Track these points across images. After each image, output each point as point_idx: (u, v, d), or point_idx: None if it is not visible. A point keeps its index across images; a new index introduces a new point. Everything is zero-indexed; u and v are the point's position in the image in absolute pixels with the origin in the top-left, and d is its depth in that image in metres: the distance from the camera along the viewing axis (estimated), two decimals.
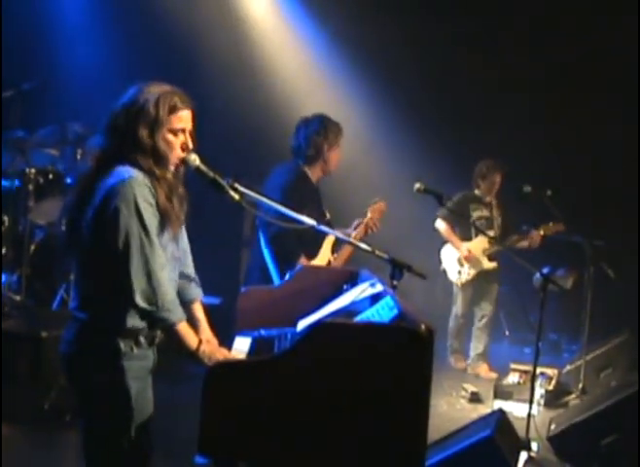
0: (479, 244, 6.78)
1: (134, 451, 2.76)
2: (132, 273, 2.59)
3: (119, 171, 2.65)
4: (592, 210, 7.96)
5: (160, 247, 2.70)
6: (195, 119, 2.82)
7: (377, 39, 8.21)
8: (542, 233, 6.68)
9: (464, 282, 6.85)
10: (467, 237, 6.81)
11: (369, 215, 4.85)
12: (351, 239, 3.75)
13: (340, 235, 3.62)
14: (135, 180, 2.64)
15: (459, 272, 6.83)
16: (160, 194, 2.70)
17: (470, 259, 6.75)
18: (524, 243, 6.70)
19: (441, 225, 6.81)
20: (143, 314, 2.66)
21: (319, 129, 4.64)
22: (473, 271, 6.81)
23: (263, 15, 8.20)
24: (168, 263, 2.78)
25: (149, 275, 2.60)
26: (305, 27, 8.22)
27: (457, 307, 6.94)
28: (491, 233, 6.72)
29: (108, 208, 2.61)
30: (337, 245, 4.73)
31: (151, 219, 2.65)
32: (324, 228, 3.30)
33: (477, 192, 6.90)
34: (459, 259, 6.79)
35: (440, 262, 6.95)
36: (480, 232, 6.58)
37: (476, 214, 6.84)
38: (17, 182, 6.36)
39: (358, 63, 8.41)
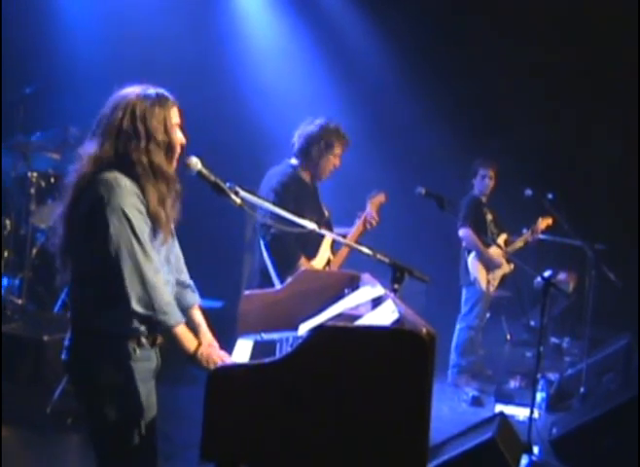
0: (497, 249, 6.56)
1: (142, 455, 2.77)
2: (126, 281, 2.60)
3: (106, 180, 2.65)
4: (593, 213, 7.97)
5: (154, 251, 2.72)
6: (185, 120, 2.91)
7: (377, 39, 8.24)
8: (536, 229, 6.66)
9: (492, 290, 6.63)
10: (485, 244, 6.55)
11: (367, 208, 4.84)
12: (351, 243, 3.75)
13: (339, 238, 3.63)
14: (123, 188, 2.65)
15: (488, 281, 6.57)
16: (152, 197, 2.71)
17: (501, 264, 6.60)
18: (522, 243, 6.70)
19: (468, 233, 6.49)
20: (142, 319, 2.68)
21: (314, 135, 4.57)
22: (497, 277, 6.65)
23: (255, 13, 8.23)
24: (163, 266, 2.80)
25: (142, 281, 2.62)
26: (299, 28, 8.24)
27: (475, 318, 6.57)
28: (505, 236, 6.67)
29: (97, 218, 2.63)
30: (337, 243, 4.70)
31: (141, 226, 2.66)
32: (323, 231, 3.30)
33: (475, 193, 6.72)
34: (486, 266, 6.53)
35: (464, 272, 6.63)
36: (496, 237, 6.56)
37: (488, 218, 6.67)
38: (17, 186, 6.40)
39: (358, 65, 8.44)
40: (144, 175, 2.71)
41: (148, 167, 2.72)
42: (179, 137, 2.85)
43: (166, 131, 2.78)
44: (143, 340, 2.74)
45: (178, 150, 2.85)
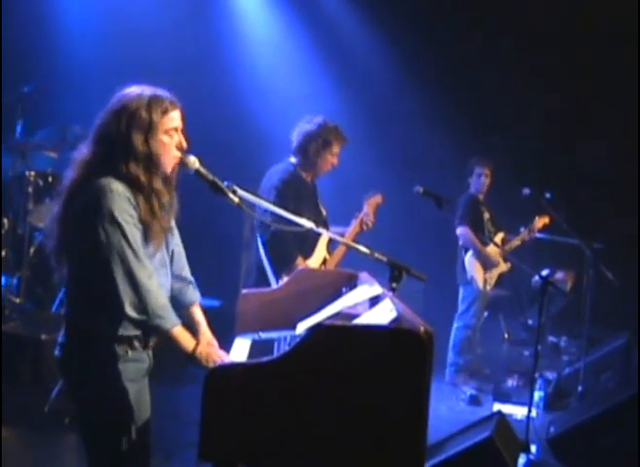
0: (495, 247, 6.55)
1: (134, 453, 2.76)
2: (119, 286, 2.59)
3: (99, 184, 2.64)
4: (591, 212, 7.97)
5: (147, 255, 2.70)
6: (185, 119, 2.82)
7: (376, 38, 8.23)
8: (533, 228, 6.65)
9: (489, 289, 6.62)
10: (482, 242, 6.54)
11: (364, 209, 4.83)
12: (349, 241, 3.75)
13: (336, 237, 3.63)
14: (115, 193, 2.63)
15: (485, 280, 6.55)
16: (143, 204, 2.68)
17: (498, 263, 6.60)
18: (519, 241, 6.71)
19: (466, 232, 6.49)
20: (136, 323, 2.67)
21: (312, 132, 4.58)
22: (494, 276, 6.65)
23: (253, 12, 8.22)
24: (157, 270, 2.78)
25: (135, 286, 2.60)
26: (297, 27, 8.23)
27: (472, 317, 6.56)
28: (502, 235, 6.69)
29: (89, 224, 2.62)
30: (333, 242, 4.70)
31: (132, 230, 2.64)
32: (321, 230, 3.30)
33: (472, 191, 6.72)
34: (484, 265, 6.52)
35: (462, 271, 6.61)
36: (494, 234, 6.57)
37: (485, 217, 6.67)
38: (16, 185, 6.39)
39: (357, 64, 8.43)
40: (128, 183, 2.68)
41: (127, 177, 2.67)
42: (168, 145, 2.73)
43: (147, 142, 2.68)
44: (136, 343, 2.74)
45: (165, 159, 2.74)
